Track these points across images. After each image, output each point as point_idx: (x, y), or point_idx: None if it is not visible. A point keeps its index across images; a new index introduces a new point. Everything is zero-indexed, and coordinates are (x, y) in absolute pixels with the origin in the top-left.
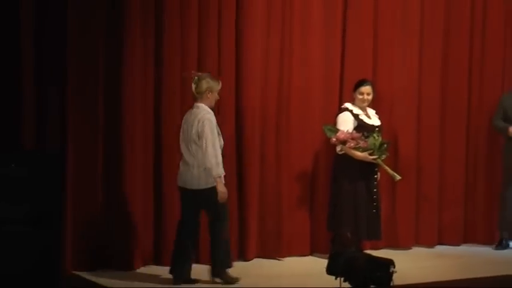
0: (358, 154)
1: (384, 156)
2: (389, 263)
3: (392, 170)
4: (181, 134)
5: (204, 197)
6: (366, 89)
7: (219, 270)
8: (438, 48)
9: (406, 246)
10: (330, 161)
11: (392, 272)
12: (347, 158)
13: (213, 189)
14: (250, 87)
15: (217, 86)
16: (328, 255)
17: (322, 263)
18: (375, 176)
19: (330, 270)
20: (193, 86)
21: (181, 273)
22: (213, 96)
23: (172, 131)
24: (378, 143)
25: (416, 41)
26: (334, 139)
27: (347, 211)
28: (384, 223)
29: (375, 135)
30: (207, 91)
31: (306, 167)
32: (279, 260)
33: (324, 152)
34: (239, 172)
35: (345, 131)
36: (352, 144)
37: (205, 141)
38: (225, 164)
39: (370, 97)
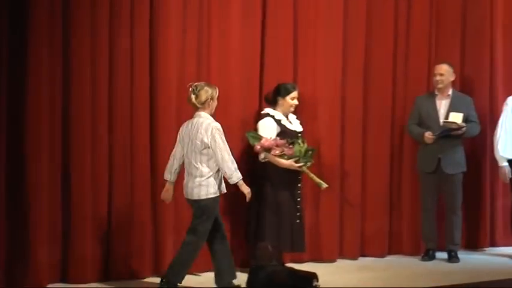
0: (283, 162)
1: (309, 164)
2: (312, 276)
3: (319, 177)
4: (180, 147)
5: (201, 206)
6: (296, 93)
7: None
8: (361, 49)
9: (331, 259)
10: (250, 169)
11: (316, 286)
12: (270, 166)
13: (210, 201)
14: (165, 89)
15: (216, 93)
16: (248, 269)
17: (243, 277)
18: (299, 185)
19: (251, 285)
20: (193, 96)
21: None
22: (214, 104)
23: (81, 132)
24: (303, 150)
25: (339, 42)
26: (258, 146)
27: (269, 222)
28: (307, 234)
29: (299, 141)
30: (208, 100)
31: None
32: (196, 275)
33: (245, 160)
34: (153, 184)
35: (269, 137)
36: (277, 152)
37: (220, 150)
38: (138, 175)
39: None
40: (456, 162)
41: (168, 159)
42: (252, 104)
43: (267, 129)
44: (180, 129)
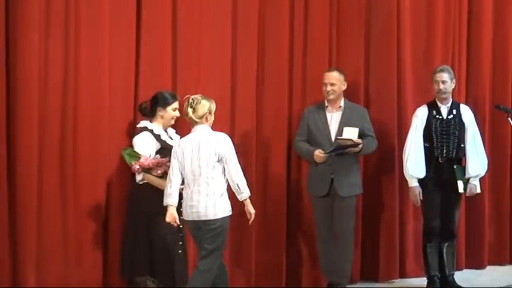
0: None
1: None
2: None
3: None
4: (177, 166)
5: (216, 226)
6: (178, 104)
7: None
8: (254, 51)
9: None
10: (125, 192)
11: None
12: (149, 189)
13: (226, 220)
14: (24, 100)
15: (213, 106)
16: None
17: None
18: (181, 210)
19: None
20: (190, 110)
21: None
22: (212, 119)
23: None
24: None
25: (227, 45)
26: (136, 166)
27: (147, 254)
28: (191, 265)
29: None
30: (206, 114)
31: (97, 200)
32: None
33: (118, 182)
34: (12, 207)
35: (148, 155)
36: (159, 172)
37: (234, 162)
38: None
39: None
40: (351, 184)
41: (32, 170)
42: (126, 116)
43: (145, 146)
44: (175, 147)
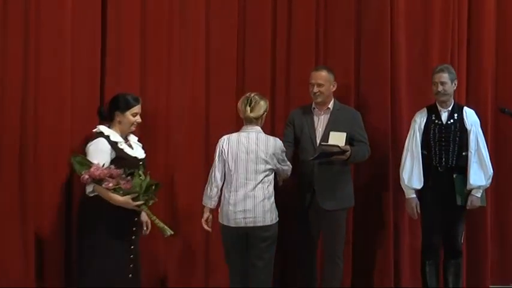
0: (118, 198)
1: (151, 202)
2: None
3: (163, 221)
4: (221, 166)
5: (271, 234)
6: (139, 108)
7: None
8: (232, 50)
9: None
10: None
11: None
12: (101, 203)
13: (277, 225)
14: None
15: (268, 107)
16: None
17: None
18: (134, 229)
19: None
20: (248, 109)
21: None
22: (264, 119)
23: None
24: (145, 184)
25: (201, 45)
26: (86, 176)
27: (100, 276)
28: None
29: (140, 172)
30: (263, 115)
31: (59, 208)
32: None
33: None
34: None
35: (101, 165)
36: (110, 185)
37: (287, 163)
38: None
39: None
40: (339, 196)
41: None
42: (90, 123)
43: (99, 154)
44: (222, 145)
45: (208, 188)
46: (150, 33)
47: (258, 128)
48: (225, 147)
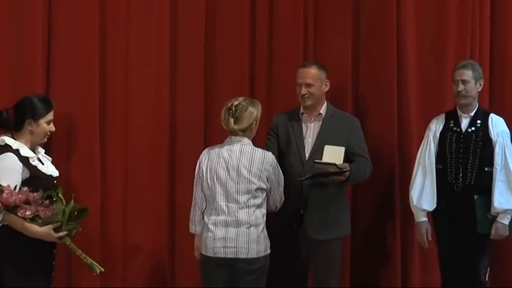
0: (37, 229)
1: (75, 232)
2: None
3: (91, 257)
4: (203, 185)
5: (258, 267)
6: (52, 114)
7: None
8: (200, 44)
9: None
10: None
11: None
12: (11, 236)
13: (267, 258)
14: None
15: (260, 113)
16: None
17: None
18: (53, 263)
19: None
20: (231, 120)
21: None
22: (256, 128)
23: None
24: (68, 210)
25: (165, 40)
26: None
27: None
28: None
29: (60, 195)
30: (252, 124)
31: None
32: None
33: None
34: None
35: (13, 188)
36: (28, 212)
37: (280, 190)
38: None
39: None
40: (332, 222)
41: None
42: None
43: (9, 173)
44: (201, 159)
45: (192, 212)
46: (109, 25)
47: (245, 139)
48: (204, 163)
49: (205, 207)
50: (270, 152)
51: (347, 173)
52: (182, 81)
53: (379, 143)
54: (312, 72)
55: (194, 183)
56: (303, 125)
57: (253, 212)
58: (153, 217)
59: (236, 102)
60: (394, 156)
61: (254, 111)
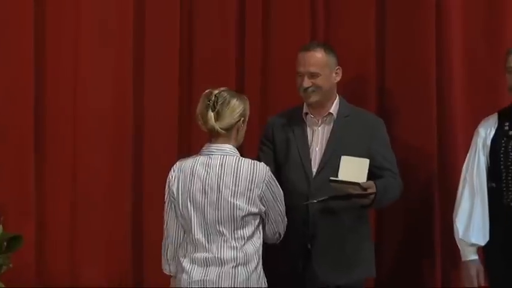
0: None
1: (5, 268)
2: None
3: None
4: (174, 214)
5: None
6: None
7: None
8: (173, 32)
9: None
10: None
11: None
12: None
13: None
14: None
15: (248, 109)
16: None
17: None
18: None
19: None
20: (211, 115)
21: None
22: (244, 130)
23: None
24: None
25: (128, 19)
26: None
27: None
28: None
29: None
30: (239, 122)
31: None
32: None
33: None
34: None
35: None
36: None
37: (279, 210)
38: None
39: None
40: (350, 261)
41: None
42: None
43: None
44: (171, 177)
45: (163, 246)
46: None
47: (228, 147)
48: (174, 183)
49: (182, 239)
50: (262, 163)
51: (372, 197)
52: (151, 70)
53: (411, 152)
54: (317, 57)
55: (165, 210)
56: (308, 129)
57: (242, 246)
58: (113, 252)
59: (216, 91)
60: (431, 171)
61: (240, 105)
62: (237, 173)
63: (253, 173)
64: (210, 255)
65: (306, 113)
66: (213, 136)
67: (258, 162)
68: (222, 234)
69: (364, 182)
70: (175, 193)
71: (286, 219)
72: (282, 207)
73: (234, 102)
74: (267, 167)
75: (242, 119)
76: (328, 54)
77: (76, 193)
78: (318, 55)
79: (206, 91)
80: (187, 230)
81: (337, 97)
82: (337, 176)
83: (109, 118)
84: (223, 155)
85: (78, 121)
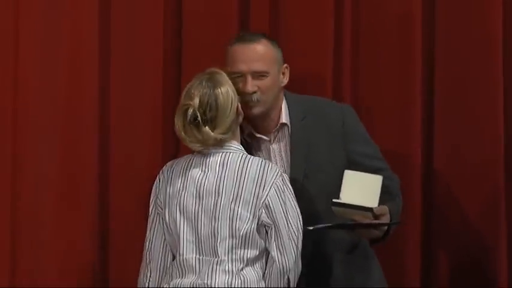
0: None
1: None
2: None
3: None
4: (170, 224)
5: None
6: None
7: None
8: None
9: None
10: None
11: None
12: None
13: None
14: None
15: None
16: None
17: None
18: None
19: None
20: (203, 129)
21: None
22: (240, 119)
23: None
24: None
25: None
26: None
27: None
28: None
29: None
30: (236, 116)
31: None
32: None
33: None
34: None
35: None
36: None
37: (290, 226)
38: None
39: None
40: None
41: None
42: None
43: None
44: (160, 182)
45: (141, 273)
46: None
47: (234, 144)
48: (162, 188)
49: (169, 263)
50: (274, 165)
51: (385, 225)
52: (119, 55)
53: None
54: (263, 51)
55: (148, 224)
56: (259, 153)
57: (241, 269)
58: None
59: (197, 92)
60: (499, 171)
61: (227, 91)
62: (241, 173)
63: (263, 174)
64: (200, 281)
65: (250, 133)
66: (215, 145)
67: (269, 162)
68: (217, 254)
69: (377, 208)
70: (162, 202)
71: (300, 260)
72: (296, 231)
73: (220, 96)
74: (281, 170)
75: (234, 105)
76: (274, 46)
77: (17, 210)
78: (263, 48)
79: (183, 105)
80: (174, 249)
81: (284, 99)
82: (339, 197)
83: (62, 112)
84: (226, 152)
85: (20, 123)
